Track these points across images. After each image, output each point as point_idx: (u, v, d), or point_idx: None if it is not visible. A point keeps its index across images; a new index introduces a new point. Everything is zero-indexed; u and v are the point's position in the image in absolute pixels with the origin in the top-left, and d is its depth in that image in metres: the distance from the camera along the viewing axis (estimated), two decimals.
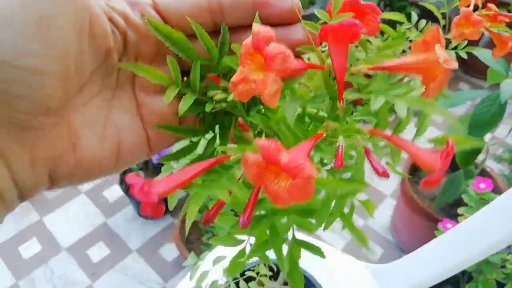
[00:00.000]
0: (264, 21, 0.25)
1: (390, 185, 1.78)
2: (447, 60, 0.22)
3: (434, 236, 1.03)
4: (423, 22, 0.41)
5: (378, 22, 0.27)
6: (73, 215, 1.55)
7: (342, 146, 0.24)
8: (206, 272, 0.57)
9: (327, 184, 0.24)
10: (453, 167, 1.33)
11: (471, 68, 2.05)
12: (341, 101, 0.24)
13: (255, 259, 0.68)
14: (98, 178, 0.25)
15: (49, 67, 0.21)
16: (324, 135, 0.24)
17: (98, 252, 1.45)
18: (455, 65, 0.22)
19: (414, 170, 1.40)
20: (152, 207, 0.28)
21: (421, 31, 0.40)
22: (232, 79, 0.23)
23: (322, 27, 0.23)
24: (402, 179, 1.37)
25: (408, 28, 0.40)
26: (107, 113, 0.25)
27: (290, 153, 0.19)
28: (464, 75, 2.08)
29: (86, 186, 1.63)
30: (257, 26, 0.22)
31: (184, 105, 0.26)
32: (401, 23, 0.40)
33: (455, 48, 0.42)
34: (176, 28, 0.25)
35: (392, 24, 0.41)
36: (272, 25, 0.24)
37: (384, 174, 0.23)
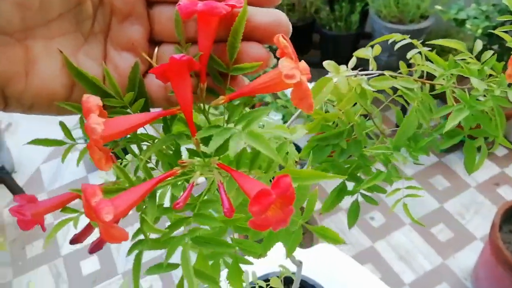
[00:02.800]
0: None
1: (482, 227, 1.59)
2: (289, 75, 0.20)
3: None
4: (488, 53, 0.35)
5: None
6: None
7: (193, 183, 0.24)
8: None
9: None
10: None
11: None
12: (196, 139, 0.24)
13: (269, 271, 0.67)
14: (50, 112, 0.26)
15: None
16: (180, 172, 0.25)
17: None
18: (296, 78, 0.20)
19: (510, 217, 1.23)
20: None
21: (483, 63, 0.34)
22: None
23: (156, 69, 0.23)
24: (493, 223, 1.22)
25: (467, 58, 0.35)
26: (74, 53, 0.26)
27: (114, 199, 0.21)
28: None
29: None
30: (86, 96, 0.23)
31: None
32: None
33: None
34: None
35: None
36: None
37: (228, 214, 0.22)
